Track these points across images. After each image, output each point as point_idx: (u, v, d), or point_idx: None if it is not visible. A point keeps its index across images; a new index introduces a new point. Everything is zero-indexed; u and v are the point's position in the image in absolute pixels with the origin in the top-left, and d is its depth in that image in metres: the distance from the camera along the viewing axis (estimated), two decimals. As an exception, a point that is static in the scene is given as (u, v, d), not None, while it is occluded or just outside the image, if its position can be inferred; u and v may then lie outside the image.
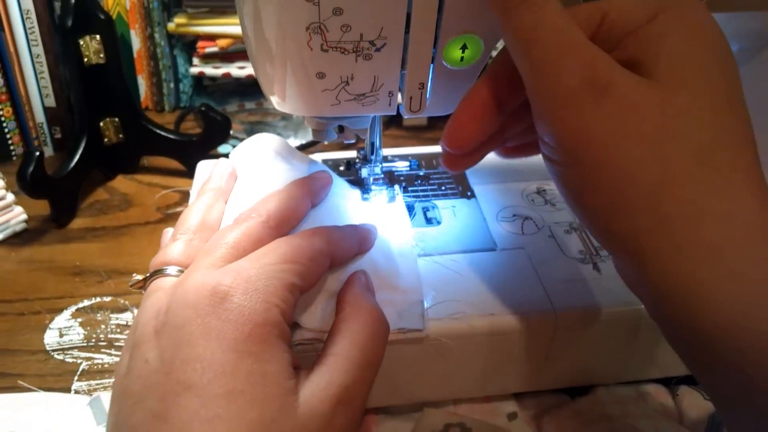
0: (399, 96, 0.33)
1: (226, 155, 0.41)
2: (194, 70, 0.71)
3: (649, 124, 0.24)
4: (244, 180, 0.38)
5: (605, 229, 0.26)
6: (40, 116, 0.65)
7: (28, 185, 0.52)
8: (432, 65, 0.31)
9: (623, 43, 0.26)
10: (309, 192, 0.36)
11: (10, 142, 0.65)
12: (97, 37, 0.55)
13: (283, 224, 0.33)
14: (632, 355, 0.38)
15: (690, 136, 0.24)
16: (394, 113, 0.34)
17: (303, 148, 0.66)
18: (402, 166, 0.46)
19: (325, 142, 0.38)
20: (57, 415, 0.38)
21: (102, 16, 0.55)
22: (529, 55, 0.25)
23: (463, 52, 0.31)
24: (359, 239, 0.36)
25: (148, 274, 0.32)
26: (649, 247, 0.24)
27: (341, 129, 0.38)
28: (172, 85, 0.73)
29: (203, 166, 0.46)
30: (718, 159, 0.24)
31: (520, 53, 0.26)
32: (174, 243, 0.33)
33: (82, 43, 0.55)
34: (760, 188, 0.24)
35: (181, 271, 0.31)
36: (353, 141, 0.39)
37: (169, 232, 0.37)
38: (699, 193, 0.24)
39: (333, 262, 0.33)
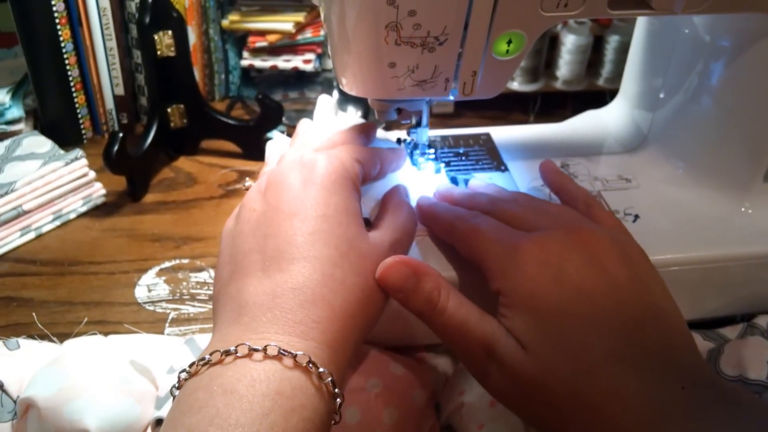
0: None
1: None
2: (244, 63, 0.78)
3: (528, 384, 0.32)
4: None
5: None
6: (110, 103, 0.72)
7: (112, 162, 0.59)
8: (483, 56, 0.38)
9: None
10: (361, 132, 0.44)
11: (82, 126, 0.72)
12: (169, 32, 0.62)
13: None
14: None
15: (550, 392, 0.31)
16: (448, 97, 0.41)
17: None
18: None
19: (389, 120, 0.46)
20: (160, 351, 0.45)
21: (174, 15, 0.62)
22: (447, 343, 0.35)
23: (508, 45, 0.38)
24: (395, 155, 0.45)
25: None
26: None
27: (399, 111, 0.45)
28: (222, 76, 0.80)
29: (272, 144, 0.54)
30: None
31: (443, 341, 0.36)
32: None
33: (156, 37, 0.62)
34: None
35: None
36: (409, 121, 0.46)
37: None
38: None
39: (380, 169, 0.42)
